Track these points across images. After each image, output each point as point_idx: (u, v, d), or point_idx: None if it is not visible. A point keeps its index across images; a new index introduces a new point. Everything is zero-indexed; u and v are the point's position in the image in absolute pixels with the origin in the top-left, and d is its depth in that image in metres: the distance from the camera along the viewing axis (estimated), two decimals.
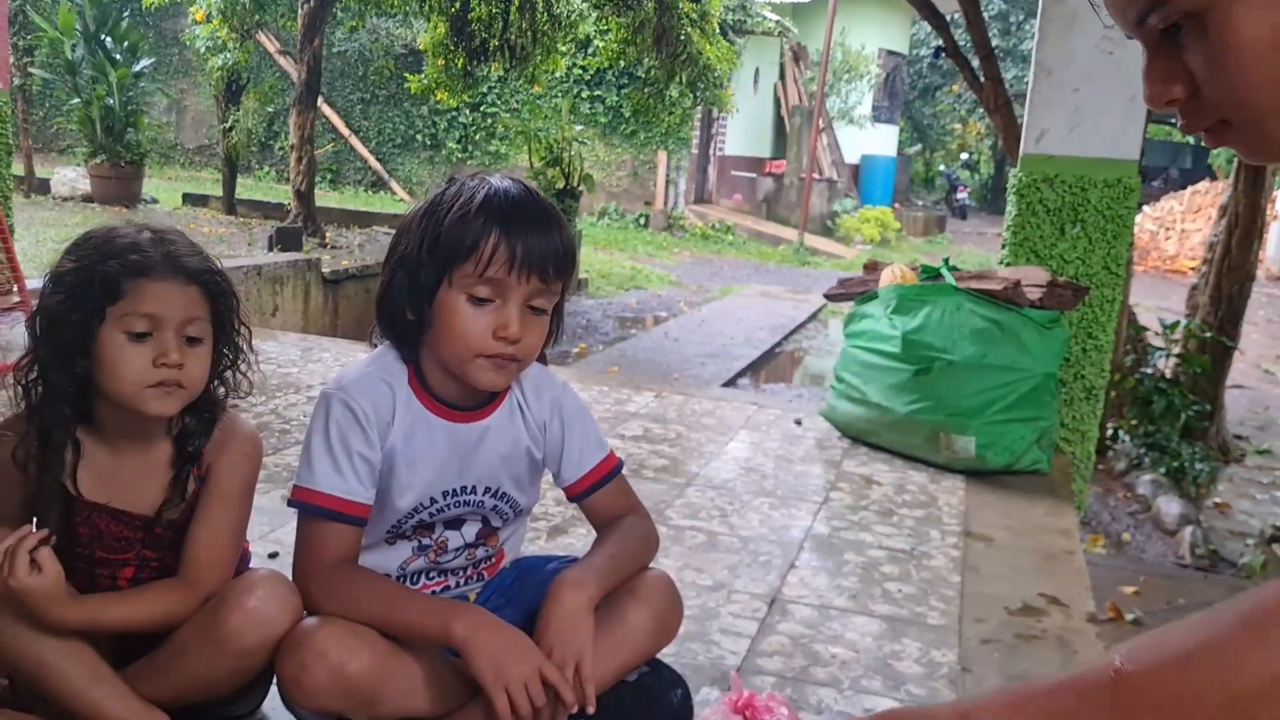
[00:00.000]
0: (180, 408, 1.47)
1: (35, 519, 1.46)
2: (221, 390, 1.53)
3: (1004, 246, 3.70)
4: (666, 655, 1.73)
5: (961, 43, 4.88)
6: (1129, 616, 4.03)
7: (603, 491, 1.69)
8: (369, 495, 1.56)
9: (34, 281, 4.11)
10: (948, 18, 5.00)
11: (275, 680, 1.52)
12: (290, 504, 1.57)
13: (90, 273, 1.40)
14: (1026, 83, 3.65)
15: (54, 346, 1.41)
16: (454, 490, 1.61)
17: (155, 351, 1.41)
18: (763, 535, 2.62)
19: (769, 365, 8.66)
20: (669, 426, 3.58)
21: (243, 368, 1.54)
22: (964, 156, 25.50)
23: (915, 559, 2.53)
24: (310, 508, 1.54)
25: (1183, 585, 4.41)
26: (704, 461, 3.22)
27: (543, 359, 1.70)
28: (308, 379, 3.88)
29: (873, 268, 3.79)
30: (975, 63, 4.55)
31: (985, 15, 4.66)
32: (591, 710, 1.52)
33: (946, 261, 3.56)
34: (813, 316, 10.63)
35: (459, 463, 1.61)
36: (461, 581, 1.72)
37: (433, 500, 1.61)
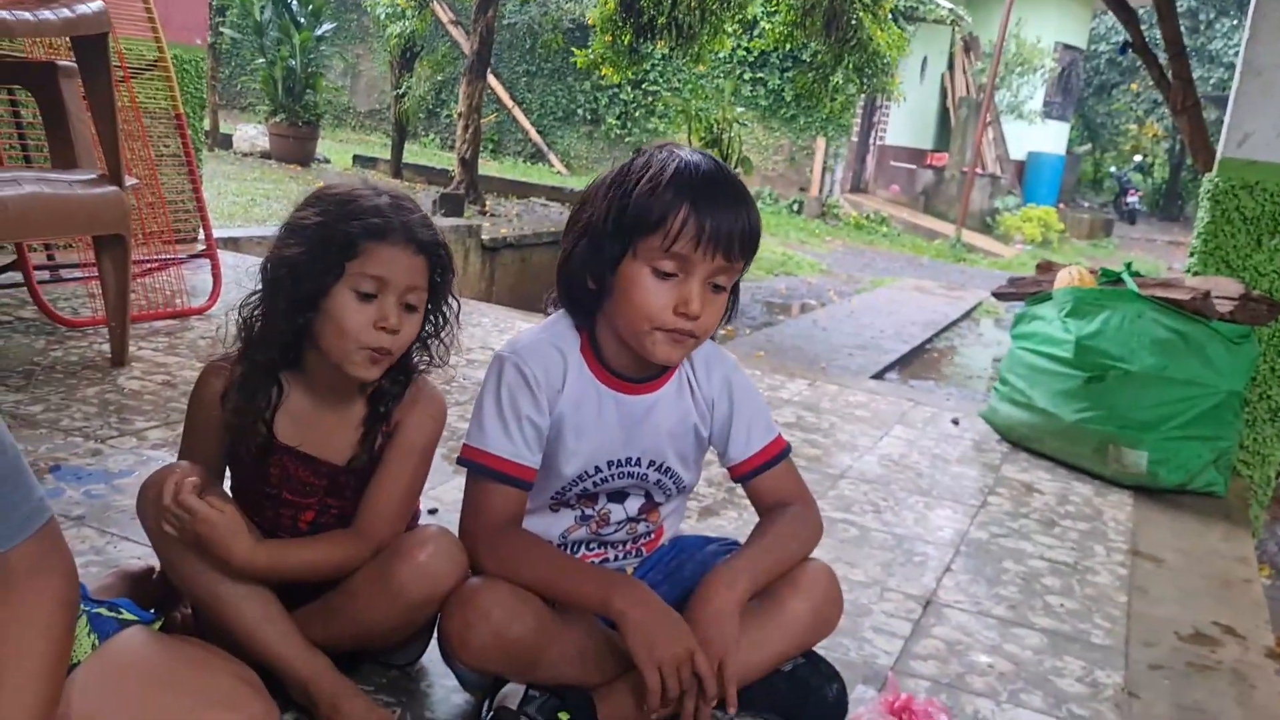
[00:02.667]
0: (381, 374, 1.51)
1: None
2: (418, 358, 1.56)
3: (1192, 255, 3.50)
4: (818, 648, 1.69)
5: (1149, 39, 4.62)
6: None
7: (769, 474, 1.66)
8: (536, 459, 1.57)
9: (217, 231, 4.30)
10: (1138, 12, 4.75)
11: (437, 635, 1.55)
12: (460, 462, 1.59)
13: (333, 230, 1.44)
14: (1212, 83, 3.44)
15: (287, 294, 1.45)
16: (619, 461, 1.61)
17: (377, 314, 1.45)
18: (917, 534, 2.55)
19: (919, 361, 8.46)
20: (822, 416, 3.52)
21: (445, 339, 1.57)
22: (1137, 159, 24.33)
23: (1079, 573, 2.42)
24: (479, 468, 1.56)
25: None
26: (857, 454, 3.16)
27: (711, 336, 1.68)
28: (467, 342, 3.96)
29: (1046, 268, 3.65)
30: (1163, 60, 4.31)
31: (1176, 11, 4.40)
32: (733, 710, 1.51)
33: (1129, 266, 3.39)
34: (966, 315, 10.34)
35: (625, 434, 1.61)
36: (620, 555, 1.72)
37: (597, 469, 1.61)
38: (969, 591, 2.26)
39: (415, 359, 1.56)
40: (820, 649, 1.69)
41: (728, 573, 1.55)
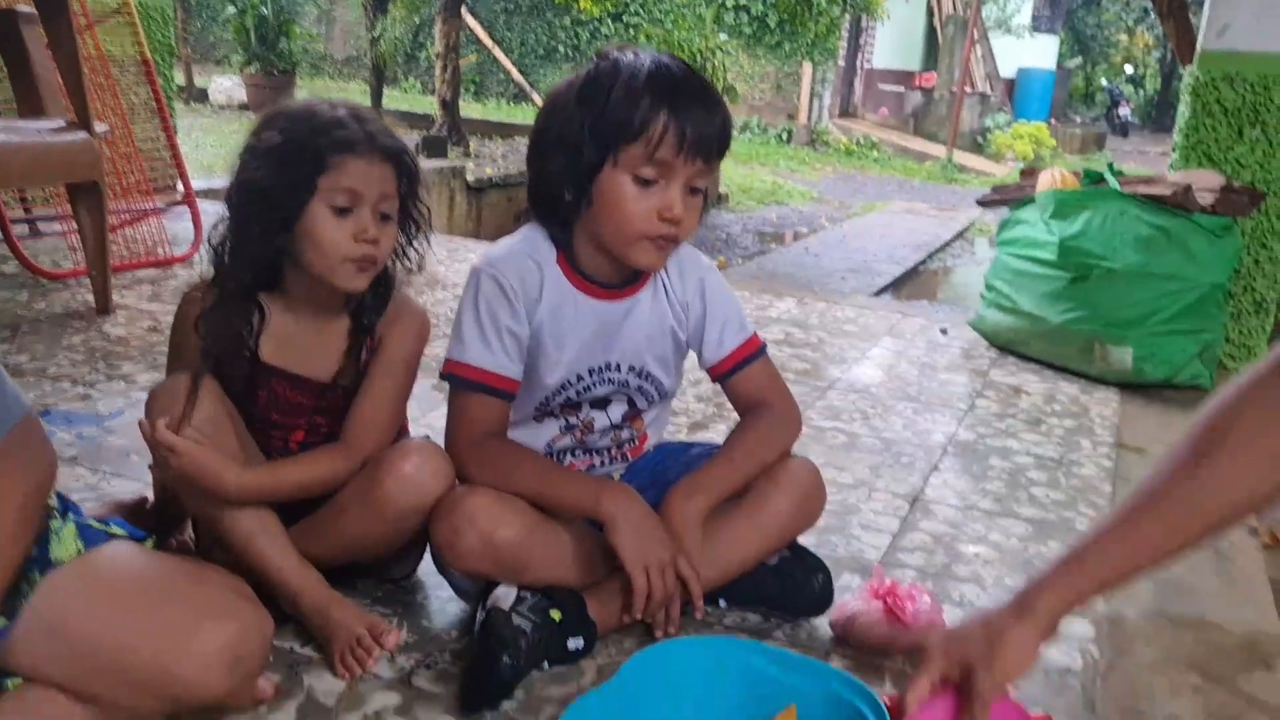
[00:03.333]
0: (369, 283, 1.52)
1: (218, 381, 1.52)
2: (397, 267, 1.57)
3: (1174, 150, 3.49)
4: (806, 543, 1.72)
5: None
6: None
7: (745, 374, 1.68)
8: (517, 370, 1.59)
9: (197, 182, 4.28)
10: None
11: (429, 545, 1.58)
12: (443, 377, 1.61)
13: (299, 147, 1.43)
14: None
15: (259, 218, 1.45)
16: (599, 367, 1.63)
17: (355, 227, 1.45)
18: (905, 439, 2.58)
19: (912, 283, 8.46)
20: (811, 332, 3.54)
21: (419, 245, 1.58)
22: (1128, 70, 24.11)
23: (1064, 467, 2.45)
24: (461, 380, 1.58)
25: None
26: (846, 366, 3.18)
27: None
28: (454, 277, 3.97)
29: (1030, 173, 3.64)
30: None
31: None
32: (699, 615, 1.55)
33: (1111, 165, 3.38)
34: (959, 235, 10.30)
35: (604, 340, 1.62)
36: (606, 461, 1.75)
37: (579, 378, 1.63)
38: (956, 489, 2.29)
39: (394, 269, 1.57)
40: (809, 547, 1.73)
41: (687, 486, 1.58)
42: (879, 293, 7.57)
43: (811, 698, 1.30)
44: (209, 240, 1.52)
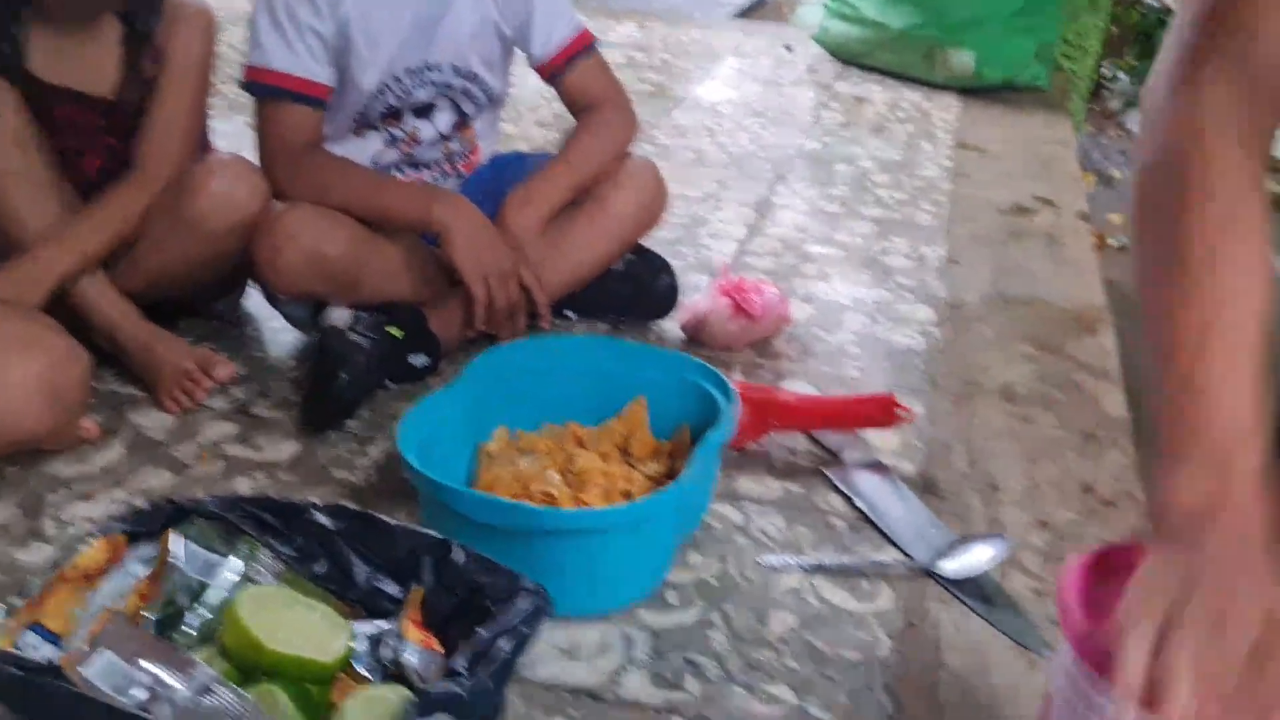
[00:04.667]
0: None
1: None
2: None
3: None
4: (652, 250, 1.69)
5: None
6: (1113, 242, 4.04)
7: (577, 71, 1.59)
8: (327, 74, 1.46)
9: None
10: None
11: (254, 271, 1.48)
12: (243, 86, 1.47)
13: None
14: None
15: None
16: (418, 68, 1.51)
17: None
18: (752, 152, 2.54)
19: (762, 8, 8.25)
20: (654, 55, 3.41)
21: None
22: None
23: (907, 168, 2.46)
24: (265, 88, 1.45)
25: None
26: (691, 86, 3.09)
27: None
28: None
29: None
30: None
31: None
32: (546, 325, 1.51)
33: None
34: None
35: (423, 37, 1.50)
36: (438, 177, 1.66)
37: (397, 80, 1.51)
38: (803, 195, 2.28)
39: None
40: (657, 252, 1.69)
41: (524, 193, 1.51)
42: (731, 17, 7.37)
43: (661, 386, 1.29)
44: None
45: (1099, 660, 0.67)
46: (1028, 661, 1.03)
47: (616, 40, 3.55)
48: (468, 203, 1.49)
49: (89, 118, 1.42)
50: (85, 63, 1.39)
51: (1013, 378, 1.58)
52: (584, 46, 1.59)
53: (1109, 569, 0.75)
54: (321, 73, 1.45)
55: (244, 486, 1.26)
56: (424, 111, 1.58)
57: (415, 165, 1.63)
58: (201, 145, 1.51)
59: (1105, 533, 1.24)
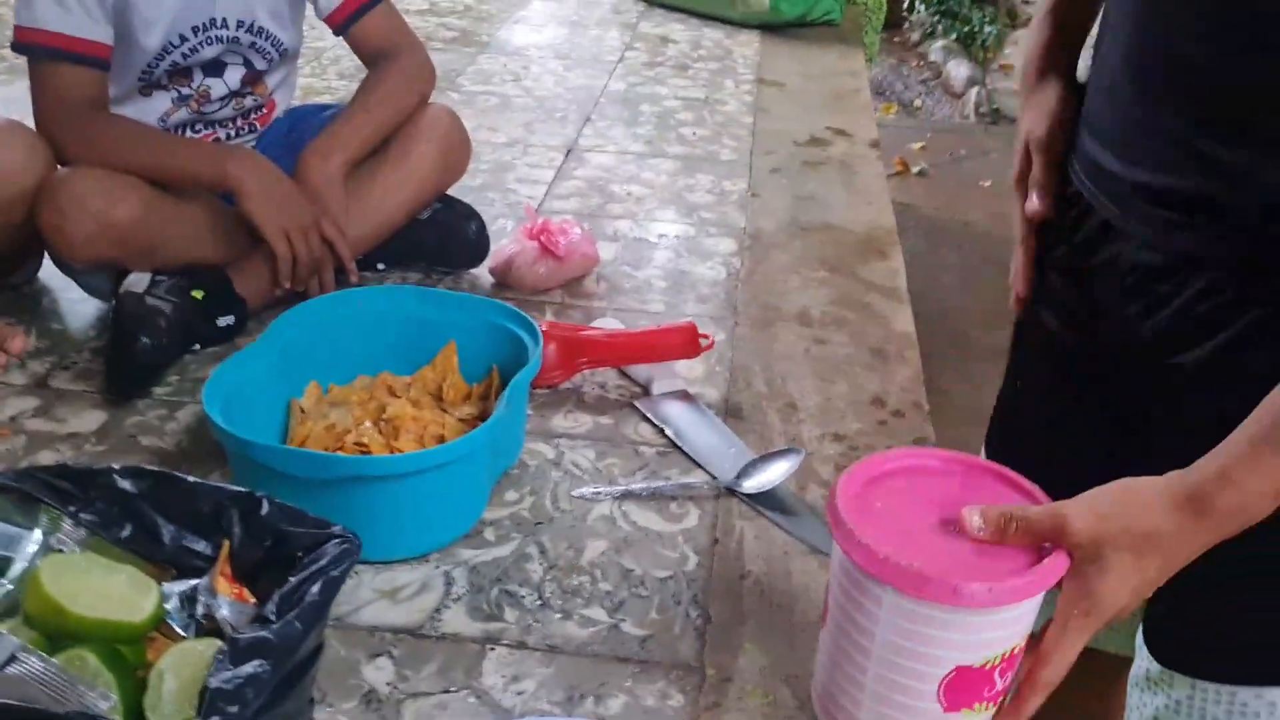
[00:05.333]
0: None
1: None
2: None
3: None
4: (459, 198, 1.71)
5: None
6: (915, 169, 4.25)
7: (366, 21, 1.58)
8: (105, 32, 1.41)
9: None
10: None
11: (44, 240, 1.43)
12: (14, 48, 1.41)
13: None
14: None
15: None
16: (203, 25, 1.48)
17: None
18: (558, 95, 2.56)
19: None
20: (457, 0, 3.37)
21: None
22: None
23: (709, 105, 2.53)
24: (40, 49, 1.40)
25: (965, 138, 4.64)
26: (494, 30, 3.08)
27: None
28: None
29: None
30: None
31: None
32: (354, 279, 1.51)
33: None
34: None
35: None
36: (232, 134, 1.63)
37: (182, 39, 1.48)
38: (608, 135, 2.32)
39: None
40: (465, 200, 1.71)
41: (323, 144, 1.50)
42: None
43: (471, 331, 1.32)
44: None
45: (863, 556, 0.75)
46: (820, 562, 1.12)
47: None
48: (263, 158, 1.47)
49: None
50: None
51: (808, 302, 1.67)
52: None
53: (875, 476, 0.84)
54: (99, 31, 1.40)
55: (48, 459, 1.23)
56: (213, 68, 1.54)
57: (208, 124, 1.59)
58: None
59: (894, 441, 1.35)
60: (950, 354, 2.76)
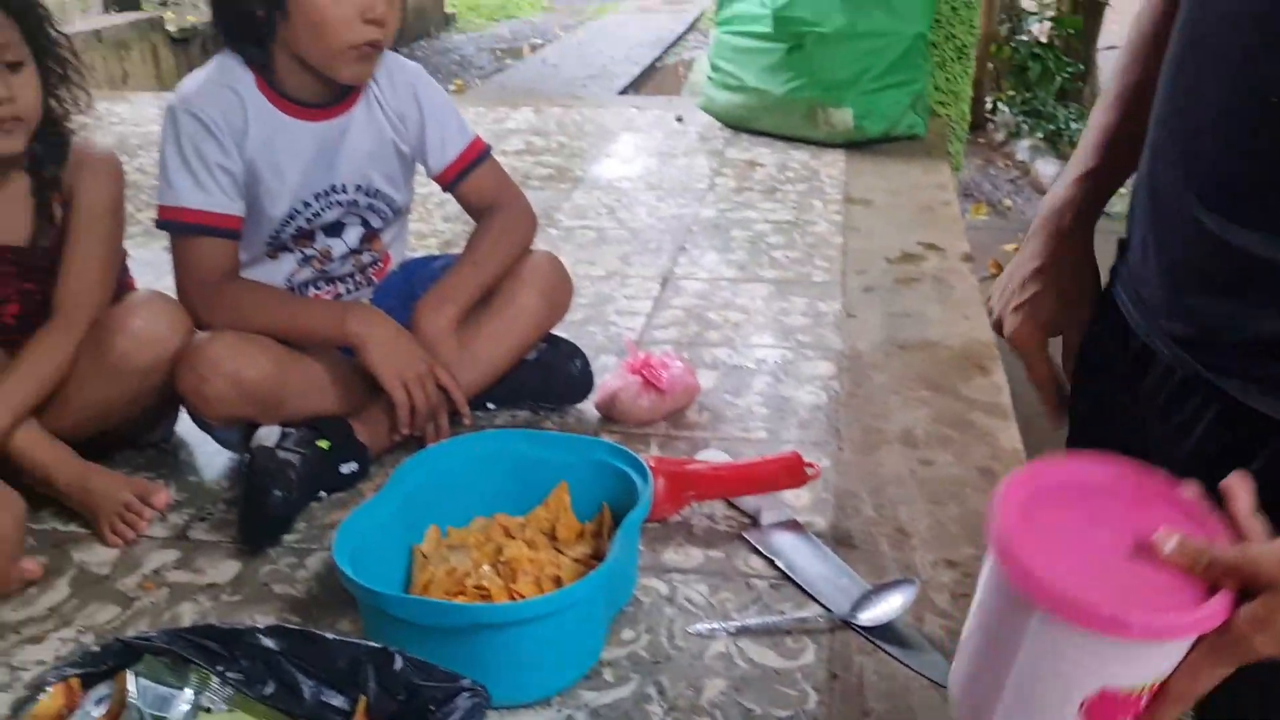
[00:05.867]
0: (26, 141, 1.41)
1: None
2: (60, 110, 1.46)
3: None
4: (562, 335, 1.77)
5: None
6: None
7: (472, 178, 1.68)
8: (237, 207, 1.53)
9: None
10: None
11: (182, 401, 1.53)
12: (159, 225, 1.53)
13: None
14: None
15: None
16: (324, 191, 1.59)
17: None
18: (651, 226, 2.65)
19: (652, 80, 8.49)
20: (550, 138, 3.52)
21: (75, 79, 1.46)
22: None
23: (799, 227, 2.59)
24: (180, 226, 1.51)
25: None
26: (588, 166, 3.21)
27: None
28: None
29: None
30: None
31: None
32: (468, 421, 1.58)
33: None
34: (691, 27, 10.36)
35: (325, 162, 1.58)
36: (351, 288, 1.73)
37: (306, 205, 1.59)
38: (702, 264, 2.39)
39: (58, 111, 1.46)
40: (568, 337, 1.78)
41: (434, 297, 1.59)
42: (622, 92, 7.58)
43: (580, 470, 1.36)
44: None
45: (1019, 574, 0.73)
46: (943, 695, 1.12)
47: (514, 126, 3.66)
48: (379, 312, 1.56)
49: (4, 267, 1.46)
50: None
51: (910, 422, 1.68)
52: (477, 155, 1.68)
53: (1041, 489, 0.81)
54: (232, 206, 1.52)
55: (189, 611, 1.30)
56: (334, 230, 1.65)
57: (329, 280, 1.70)
58: (120, 284, 1.56)
59: None
60: None
